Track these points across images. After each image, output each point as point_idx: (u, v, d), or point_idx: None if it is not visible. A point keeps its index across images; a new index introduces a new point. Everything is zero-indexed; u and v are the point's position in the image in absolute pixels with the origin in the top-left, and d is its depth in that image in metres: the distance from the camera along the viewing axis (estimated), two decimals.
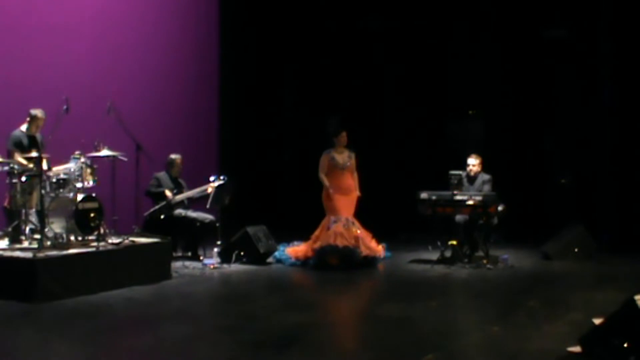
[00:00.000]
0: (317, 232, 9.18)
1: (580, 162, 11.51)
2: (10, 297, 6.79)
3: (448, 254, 9.23)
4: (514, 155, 11.77)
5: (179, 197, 9.21)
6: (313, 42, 12.87)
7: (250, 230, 9.16)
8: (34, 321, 6.26)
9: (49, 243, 7.40)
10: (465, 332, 6.18)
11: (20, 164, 7.76)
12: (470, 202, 8.90)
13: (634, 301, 4.95)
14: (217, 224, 9.12)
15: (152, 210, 9.06)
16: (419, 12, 12.25)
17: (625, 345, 4.83)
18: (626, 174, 10.86)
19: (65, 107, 7.84)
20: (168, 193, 9.14)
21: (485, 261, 8.96)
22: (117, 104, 8.68)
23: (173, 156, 9.48)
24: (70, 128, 8.35)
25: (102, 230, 7.79)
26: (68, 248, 7.45)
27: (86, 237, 7.74)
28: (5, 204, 7.92)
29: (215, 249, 9.03)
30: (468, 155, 9.44)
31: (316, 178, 9.28)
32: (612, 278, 8.36)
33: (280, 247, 9.49)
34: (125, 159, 8.42)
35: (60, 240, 7.59)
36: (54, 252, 7.21)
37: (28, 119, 8.19)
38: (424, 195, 9.10)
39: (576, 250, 9.67)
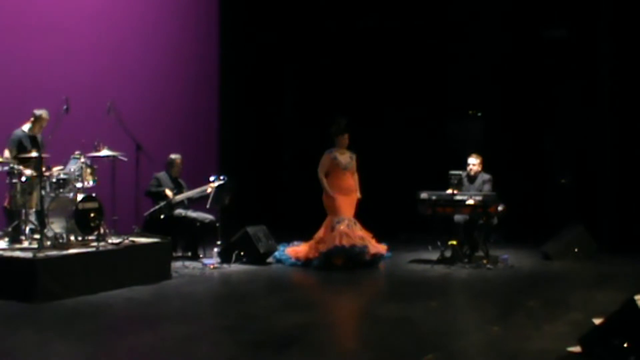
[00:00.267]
0: (320, 234, 9.15)
1: (580, 162, 11.51)
2: (10, 297, 6.79)
3: (448, 254, 9.23)
4: (514, 155, 11.77)
5: (179, 197, 9.22)
6: (313, 42, 12.88)
7: (250, 230, 9.16)
8: (34, 321, 6.26)
9: (49, 243, 7.40)
10: (465, 332, 6.18)
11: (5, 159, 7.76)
12: (470, 202, 8.90)
13: (634, 301, 4.95)
14: (217, 224, 9.12)
15: (152, 210, 9.06)
16: (419, 12, 12.26)
17: (625, 345, 4.83)
18: (626, 174, 10.86)
19: (65, 107, 7.84)
20: (169, 192, 9.14)
21: (485, 261, 8.96)
22: (117, 104, 8.68)
23: (173, 156, 9.49)
24: (70, 128, 8.35)
25: (102, 230, 7.79)
26: (68, 248, 7.45)
27: (86, 237, 7.74)
28: (5, 204, 7.92)
29: (215, 249, 9.03)
30: (468, 155, 9.45)
31: (316, 178, 9.27)
32: (612, 278, 8.36)
33: (280, 247, 9.48)
34: (125, 159, 8.42)
35: (60, 240, 7.59)
36: (54, 252, 7.21)
37: (32, 119, 8.19)
38: (424, 195, 9.10)
39: (576, 250, 9.68)
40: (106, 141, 8.24)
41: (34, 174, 7.55)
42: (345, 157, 9.29)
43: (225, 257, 8.99)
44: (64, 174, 7.81)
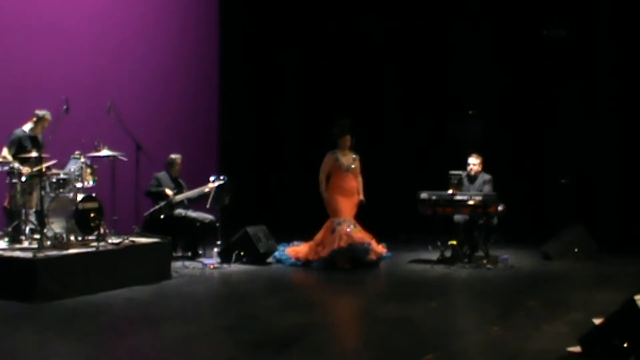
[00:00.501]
0: (320, 236, 9.12)
1: (580, 162, 11.51)
2: (10, 297, 6.79)
3: (448, 254, 9.24)
4: (514, 155, 11.77)
5: (179, 197, 9.22)
6: (313, 42, 12.87)
7: (250, 230, 9.16)
8: (34, 321, 6.25)
9: (49, 243, 7.40)
10: (465, 332, 6.18)
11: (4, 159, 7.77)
12: (470, 202, 8.90)
13: (634, 301, 4.95)
14: (217, 224, 9.12)
15: (152, 210, 9.06)
16: (419, 12, 12.26)
17: (625, 345, 4.83)
18: (626, 174, 10.86)
19: (65, 107, 7.84)
20: (169, 192, 9.14)
21: (485, 261, 8.96)
22: (117, 104, 8.68)
23: (173, 156, 9.49)
24: (70, 128, 8.36)
25: (102, 230, 7.79)
26: (68, 248, 7.44)
27: (86, 237, 7.74)
28: (5, 204, 7.92)
29: (215, 249, 9.03)
30: (468, 155, 9.45)
31: (316, 178, 9.26)
32: (612, 278, 8.36)
33: (280, 247, 9.48)
34: (125, 159, 8.42)
35: (60, 240, 7.59)
36: (54, 252, 7.21)
37: (34, 119, 8.19)
38: (424, 195, 9.10)
39: (576, 250, 9.68)
40: (106, 141, 8.24)
41: (33, 171, 7.55)
42: (348, 159, 9.25)
43: (225, 257, 9.00)
44: (64, 173, 7.81)
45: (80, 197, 7.74)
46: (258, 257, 9.09)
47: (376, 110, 12.66)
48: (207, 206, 9.10)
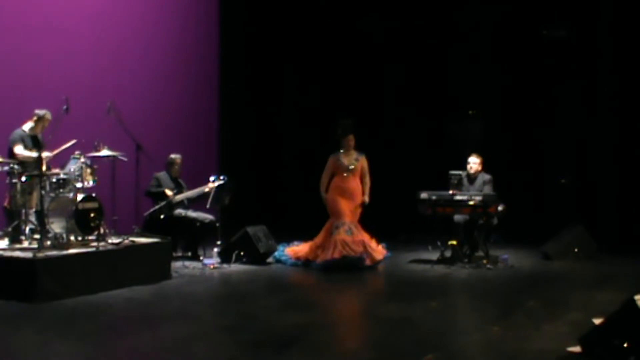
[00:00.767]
0: (319, 238, 9.11)
1: (580, 162, 11.51)
2: (10, 297, 6.79)
3: (448, 254, 9.24)
4: (514, 155, 11.77)
5: (179, 197, 9.22)
6: (313, 42, 12.87)
7: (250, 230, 9.16)
8: (34, 321, 6.26)
9: (49, 243, 7.40)
10: (465, 332, 6.18)
11: (24, 158, 7.76)
12: (470, 202, 8.90)
13: (634, 301, 4.95)
14: (217, 224, 9.12)
15: (152, 210, 9.06)
16: (419, 12, 12.26)
17: (625, 345, 4.83)
18: (626, 174, 10.86)
19: (65, 107, 7.84)
20: (169, 192, 9.14)
21: (485, 261, 8.96)
22: (117, 104, 8.68)
23: (173, 156, 9.49)
24: (70, 128, 8.35)
25: (102, 230, 7.79)
26: (68, 248, 7.44)
27: (86, 237, 7.74)
28: (5, 204, 7.92)
29: (215, 249, 9.03)
30: (468, 155, 9.45)
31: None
32: (612, 278, 8.36)
33: (280, 247, 9.48)
34: (125, 159, 8.42)
35: (60, 240, 7.59)
36: (54, 252, 7.21)
37: (35, 118, 8.18)
38: (424, 195, 9.10)
39: (576, 250, 9.68)
40: (106, 141, 8.24)
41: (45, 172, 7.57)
42: (350, 159, 9.21)
43: (225, 257, 9.00)
44: (64, 173, 7.82)
45: (80, 197, 7.74)
46: (258, 257, 9.09)
47: (376, 110, 12.66)
48: (207, 206, 9.10)
